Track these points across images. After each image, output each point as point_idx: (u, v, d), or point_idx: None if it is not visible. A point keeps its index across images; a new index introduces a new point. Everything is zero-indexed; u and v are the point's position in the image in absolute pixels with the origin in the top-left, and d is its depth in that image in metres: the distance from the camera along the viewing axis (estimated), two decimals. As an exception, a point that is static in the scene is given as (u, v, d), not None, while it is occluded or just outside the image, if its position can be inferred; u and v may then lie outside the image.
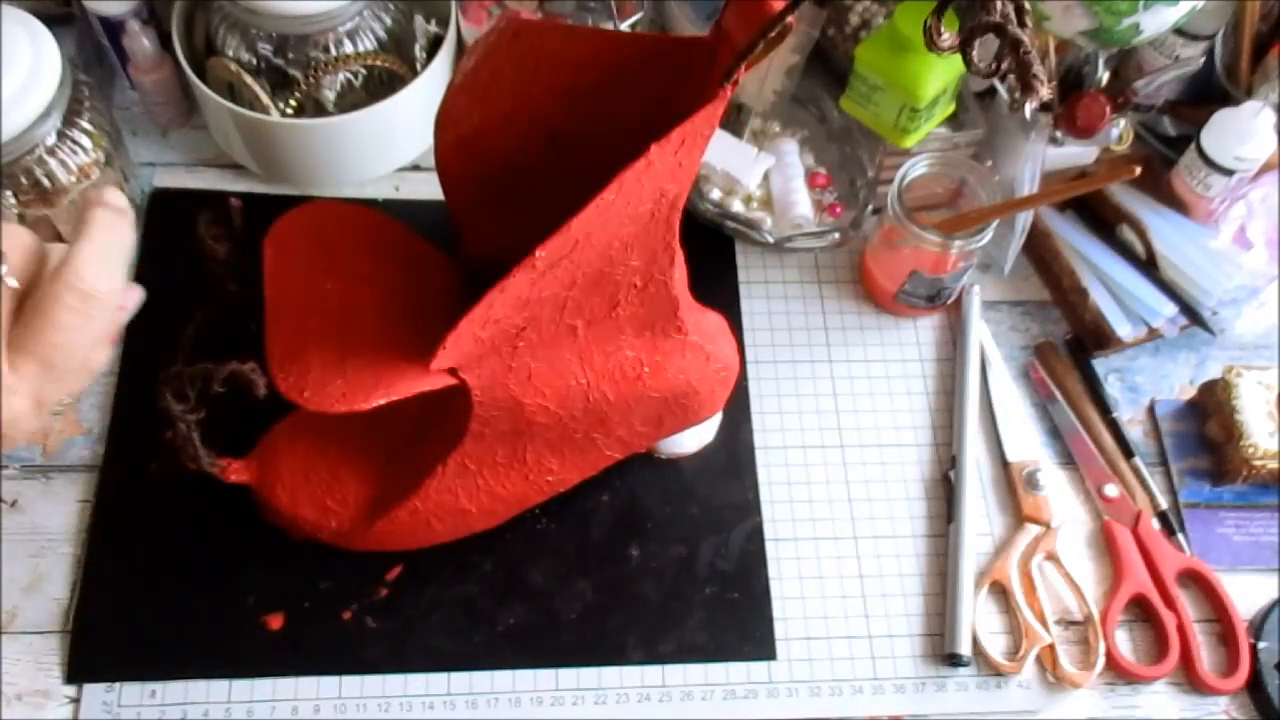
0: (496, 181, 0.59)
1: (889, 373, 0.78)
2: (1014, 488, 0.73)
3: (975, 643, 0.68)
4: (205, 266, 0.74)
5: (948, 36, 0.44)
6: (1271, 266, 0.78)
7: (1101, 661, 0.67)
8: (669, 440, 0.70)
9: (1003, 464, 0.74)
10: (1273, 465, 0.72)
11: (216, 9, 0.76)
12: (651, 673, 0.66)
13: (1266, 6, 0.80)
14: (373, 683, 0.64)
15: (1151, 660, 0.69)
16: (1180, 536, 0.72)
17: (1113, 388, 0.79)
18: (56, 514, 0.67)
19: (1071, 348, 0.79)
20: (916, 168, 0.75)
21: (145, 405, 0.66)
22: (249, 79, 0.75)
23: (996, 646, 0.68)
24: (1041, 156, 0.78)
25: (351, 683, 0.64)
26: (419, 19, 0.78)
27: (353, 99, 0.78)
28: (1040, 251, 0.82)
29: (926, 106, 0.73)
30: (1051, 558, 0.71)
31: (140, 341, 0.73)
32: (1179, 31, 0.77)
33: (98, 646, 0.63)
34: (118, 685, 0.63)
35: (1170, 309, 0.77)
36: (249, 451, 0.65)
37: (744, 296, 0.80)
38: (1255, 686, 0.68)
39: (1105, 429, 0.76)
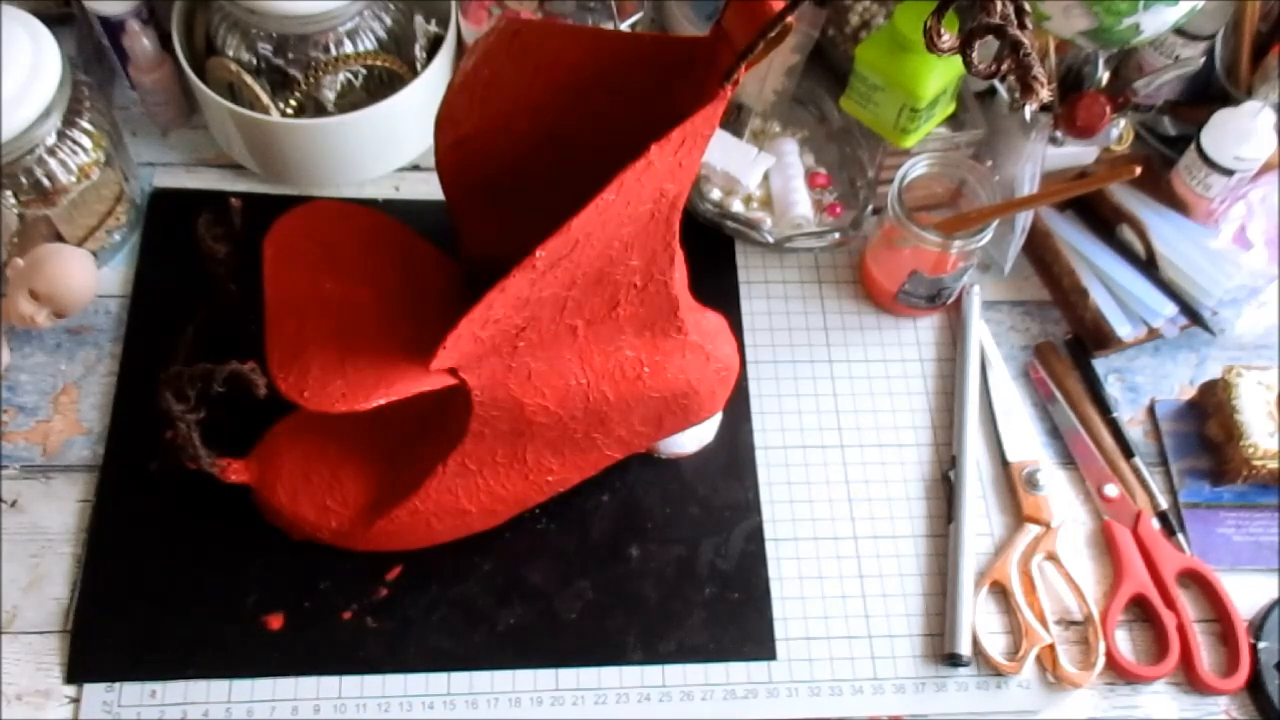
0: (496, 181, 0.59)
1: (889, 373, 0.78)
2: (1014, 488, 0.73)
3: (975, 643, 0.68)
4: (205, 266, 0.74)
5: (948, 38, 0.44)
6: (1271, 266, 0.78)
7: (1101, 661, 0.67)
8: (669, 440, 0.70)
9: (1003, 464, 0.74)
10: (1273, 465, 0.72)
11: (216, 9, 0.76)
12: (651, 673, 0.66)
13: (1266, 6, 0.80)
14: (373, 683, 0.64)
15: (1151, 660, 0.69)
16: (1180, 536, 0.72)
17: (1113, 388, 0.79)
18: (56, 514, 0.67)
19: (1071, 348, 0.79)
20: (916, 168, 0.75)
21: (145, 405, 0.66)
22: (249, 79, 0.75)
23: (996, 646, 0.68)
24: (1041, 156, 0.78)
25: (351, 683, 0.64)
26: (419, 19, 0.78)
27: (353, 99, 0.78)
28: (1040, 251, 0.82)
29: (926, 106, 0.73)
30: (1051, 558, 0.71)
31: (140, 341, 0.73)
32: (1179, 31, 0.77)
33: (98, 646, 0.63)
34: (118, 685, 0.63)
35: (1170, 309, 0.77)
36: (249, 451, 0.65)
37: (744, 296, 0.80)
38: (1255, 686, 0.68)
39: (1105, 429, 0.76)
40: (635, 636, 0.66)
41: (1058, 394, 0.77)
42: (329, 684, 0.64)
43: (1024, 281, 0.83)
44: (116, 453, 0.69)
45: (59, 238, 0.72)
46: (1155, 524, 0.72)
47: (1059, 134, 0.78)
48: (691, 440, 0.72)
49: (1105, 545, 0.72)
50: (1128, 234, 0.79)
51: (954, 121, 0.79)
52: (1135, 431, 0.77)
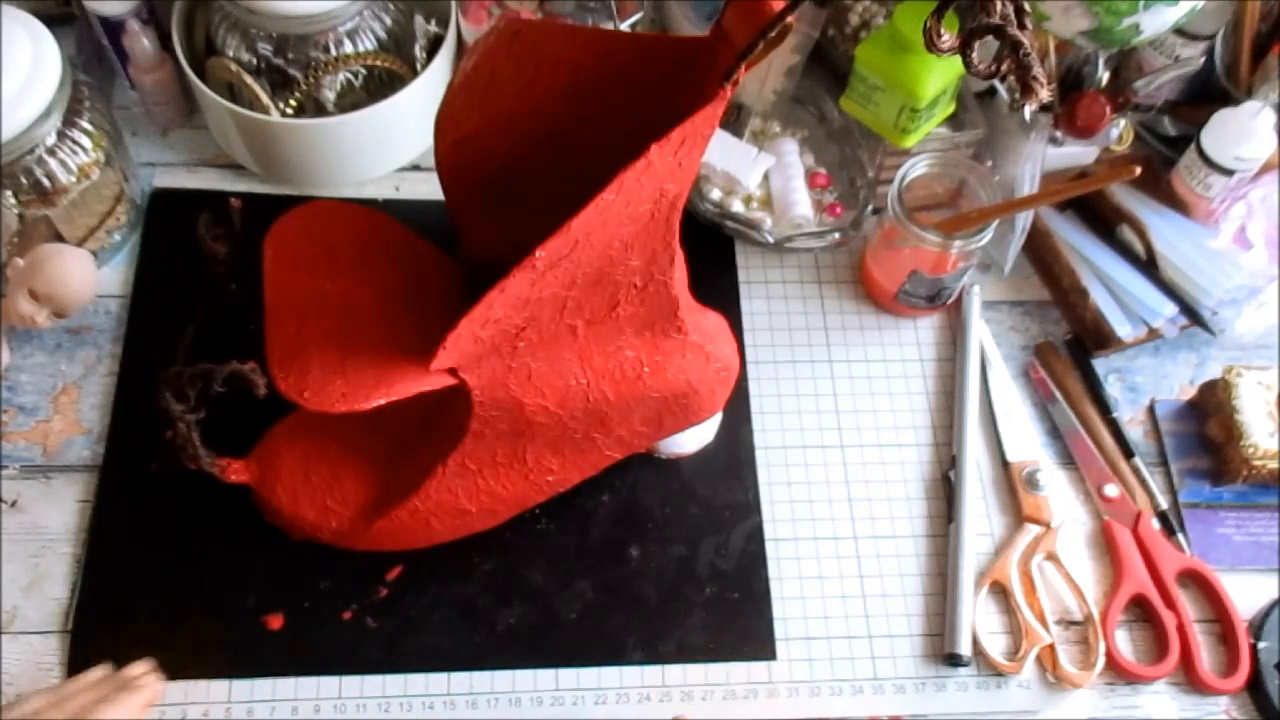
0: (496, 181, 0.59)
1: (889, 373, 0.78)
2: (1014, 488, 0.73)
3: (975, 643, 0.67)
4: (205, 266, 0.74)
5: (947, 38, 0.44)
6: (1271, 266, 0.78)
7: (1101, 661, 0.67)
8: (669, 440, 0.70)
9: (1003, 464, 0.74)
10: (1273, 465, 0.72)
11: (216, 9, 0.76)
12: (651, 673, 0.66)
13: (1266, 6, 0.80)
14: (373, 683, 0.64)
15: (1151, 660, 0.69)
16: (1180, 536, 0.72)
17: (1113, 388, 0.79)
18: (56, 514, 0.67)
19: (1071, 348, 0.79)
20: (916, 168, 0.75)
21: (145, 405, 0.66)
22: (249, 79, 0.75)
23: (996, 646, 0.68)
24: (1041, 156, 0.78)
25: (351, 683, 0.64)
26: (419, 19, 0.78)
27: (353, 99, 0.78)
28: (1040, 251, 0.82)
29: (926, 106, 0.73)
30: (1051, 558, 0.71)
31: (140, 341, 0.73)
32: (1179, 31, 0.77)
33: (98, 646, 0.63)
34: (118, 685, 0.63)
35: (1170, 309, 0.77)
36: (249, 451, 0.65)
37: (744, 296, 0.80)
38: (1255, 686, 0.68)
39: (1105, 429, 0.76)
40: (635, 636, 0.66)
41: (1058, 394, 0.77)
42: (329, 684, 0.64)
43: (1024, 281, 0.83)
44: (116, 453, 0.69)
45: (59, 238, 0.72)
46: (1155, 524, 0.72)
47: (1059, 134, 0.78)
48: (691, 440, 0.72)
49: (1105, 545, 0.72)
50: (1128, 234, 0.79)
51: (954, 121, 0.79)
52: (1135, 431, 0.77)
